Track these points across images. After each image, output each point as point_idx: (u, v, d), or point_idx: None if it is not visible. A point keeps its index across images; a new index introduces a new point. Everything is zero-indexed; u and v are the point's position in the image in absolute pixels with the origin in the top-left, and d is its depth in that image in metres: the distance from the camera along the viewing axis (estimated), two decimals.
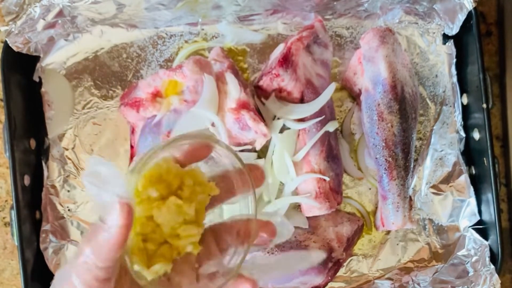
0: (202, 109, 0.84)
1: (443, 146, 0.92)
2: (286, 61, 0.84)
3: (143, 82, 0.86)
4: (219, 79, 0.85)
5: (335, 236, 0.87)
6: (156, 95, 0.85)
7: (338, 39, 0.94)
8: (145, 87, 0.86)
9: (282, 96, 0.86)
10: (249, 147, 0.87)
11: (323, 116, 0.86)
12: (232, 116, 0.83)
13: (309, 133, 0.86)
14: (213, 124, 0.85)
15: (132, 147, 0.89)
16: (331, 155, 0.88)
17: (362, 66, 0.87)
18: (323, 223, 0.88)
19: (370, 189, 0.93)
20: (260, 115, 0.85)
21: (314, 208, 0.86)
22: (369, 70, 0.86)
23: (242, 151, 0.86)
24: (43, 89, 0.93)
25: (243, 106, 0.83)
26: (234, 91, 0.84)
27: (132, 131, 0.89)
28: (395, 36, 0.86)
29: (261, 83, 0.86)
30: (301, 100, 0.86)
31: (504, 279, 0.92)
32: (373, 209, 0.93)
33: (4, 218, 0.97)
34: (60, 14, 0.88)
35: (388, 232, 0.93)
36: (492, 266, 0.86)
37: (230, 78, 0.84)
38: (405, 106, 0.85)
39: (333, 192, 0.87)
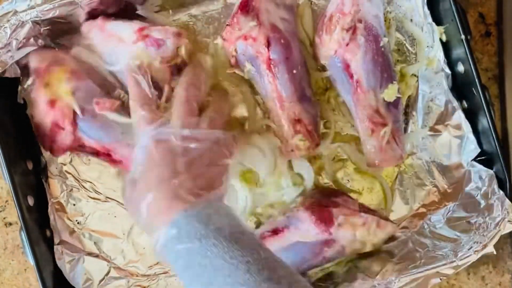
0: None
1: (432, 88, 0.92)
2: (246, 6, 0.84)
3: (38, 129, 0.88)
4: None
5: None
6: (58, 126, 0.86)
7: None
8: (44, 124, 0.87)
9: (249, 43, 0.86)
10: None
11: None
12: (142, 44, 0.84)
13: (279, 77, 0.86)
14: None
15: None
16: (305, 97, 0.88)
17: None
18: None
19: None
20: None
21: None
22: None
23: None
24: (29, 112, 0.92)
25: (141, 29, 0.84)
26: (125, 30, 0.85)
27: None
28: None
29: (224, 34, 0.86)
30: (268, 45, 0.85)
31: (504, 279, 0.93)
32: None
33: (4, 218, 0.97)
34: (30, 31, 0.87)
35: (395, 182, 0.94)
36: (502, 192, 0.86)
37: (113, 25, 0.86)
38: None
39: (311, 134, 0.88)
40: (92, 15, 0.88)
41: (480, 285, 0.95)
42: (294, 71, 0.86)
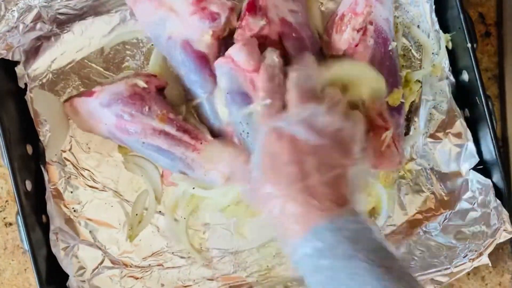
0: None
1: (435, 95, 0.93)
2: (253, 7, 0.84)
3: None
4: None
5: None
6: None
7: None
8: None
9: (261, 42, 0.85)
10: None
11: None
12: (197, 17, 0.81)
13: None
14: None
15: None
16: None
17: None
18: None
19: None
20: None
21: None
22: None
23: None
24: (35, 107, 0.92)
25: (199, 1, 0.82)
26: (179, 0, 0.82)
27: None
28: None
29: (235, 37, 0.85)
30: (281, 42, 0.85)
31: (504, 279, 0.93)
32: None
33: (4, 218, 0.97)
34: (38, 16, 0.88)
35: (393, 187, 0.94)
36: (499, 201, 0.87)
37: None
38: None
39: None
40: None
41: (480, 285, 0.94)
42: None
